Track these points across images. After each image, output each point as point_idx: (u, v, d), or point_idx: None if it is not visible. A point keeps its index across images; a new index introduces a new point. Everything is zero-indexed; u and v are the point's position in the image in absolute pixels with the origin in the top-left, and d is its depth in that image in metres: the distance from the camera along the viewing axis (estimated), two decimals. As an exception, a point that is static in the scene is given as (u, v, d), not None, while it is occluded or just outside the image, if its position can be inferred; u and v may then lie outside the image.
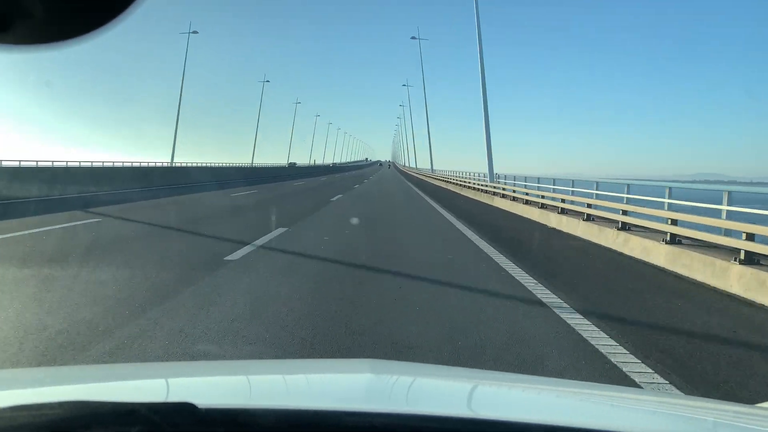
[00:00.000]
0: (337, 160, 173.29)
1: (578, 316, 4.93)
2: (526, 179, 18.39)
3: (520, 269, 7.18)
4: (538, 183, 16.88)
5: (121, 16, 0.74)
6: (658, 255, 7.92)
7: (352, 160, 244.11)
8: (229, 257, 7.44)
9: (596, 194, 11.94)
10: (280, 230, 10.48)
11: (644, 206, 9.61)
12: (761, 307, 5.59)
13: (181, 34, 45.55)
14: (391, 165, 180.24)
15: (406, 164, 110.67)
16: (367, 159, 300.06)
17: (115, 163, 31.64)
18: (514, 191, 18.32)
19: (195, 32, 46.36)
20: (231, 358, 3.81)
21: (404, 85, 70.71)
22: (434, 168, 56.80)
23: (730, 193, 7.76)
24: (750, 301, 5.80)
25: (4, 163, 21.80)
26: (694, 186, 11.24)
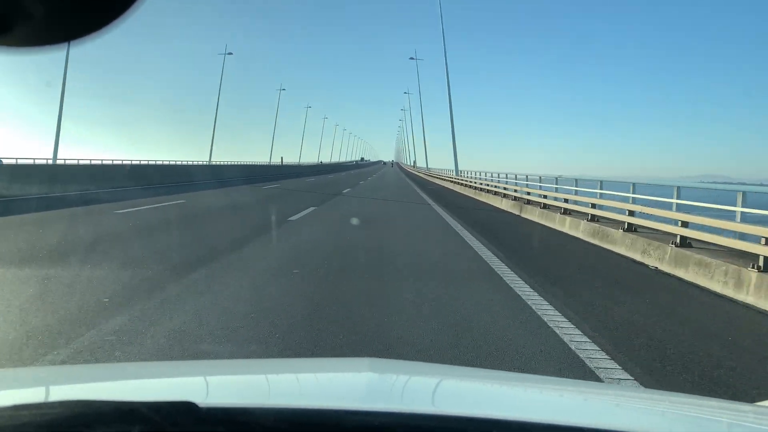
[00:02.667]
0: (325, 159, 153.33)
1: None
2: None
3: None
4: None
5: (122, 17, 0.74)
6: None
7: (347, 159, 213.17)
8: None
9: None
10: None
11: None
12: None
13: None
14: (394, 164, 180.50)
15: (412, 164, 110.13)
16: (362, 158, 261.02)
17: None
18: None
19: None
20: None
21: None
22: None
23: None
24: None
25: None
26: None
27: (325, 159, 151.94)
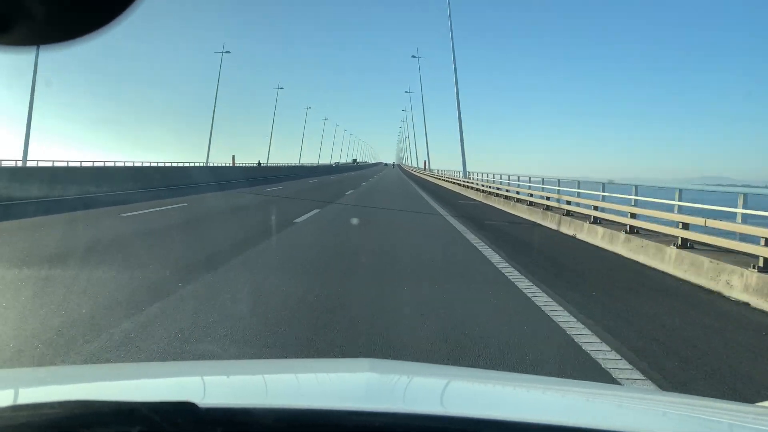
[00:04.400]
0: (310, 161, 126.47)
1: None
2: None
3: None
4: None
5: (122, 17, 0.74)
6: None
7: (340, 161, 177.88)
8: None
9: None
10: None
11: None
12: None
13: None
14: (396, 166, 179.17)
15: (423, 167, 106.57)
16: (355, 160, 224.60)
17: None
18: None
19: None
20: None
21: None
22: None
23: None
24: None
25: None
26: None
27: (311, 160, 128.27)
